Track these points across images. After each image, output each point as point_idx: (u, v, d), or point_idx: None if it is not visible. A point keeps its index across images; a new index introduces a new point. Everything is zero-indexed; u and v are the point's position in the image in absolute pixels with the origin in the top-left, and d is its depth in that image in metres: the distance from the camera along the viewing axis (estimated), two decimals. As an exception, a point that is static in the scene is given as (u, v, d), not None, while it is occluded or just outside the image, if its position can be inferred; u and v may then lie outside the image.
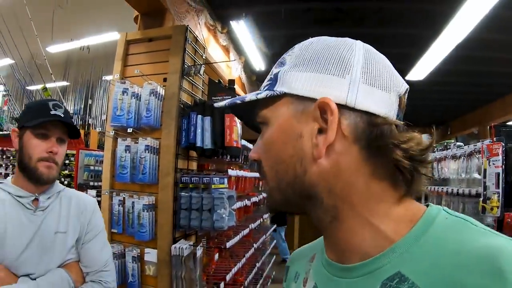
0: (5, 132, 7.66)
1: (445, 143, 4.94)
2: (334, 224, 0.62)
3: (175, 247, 2.27)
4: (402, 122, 0.61)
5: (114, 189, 2.56)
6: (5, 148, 7.16)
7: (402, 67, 5.59)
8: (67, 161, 5.99)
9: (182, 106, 2.54)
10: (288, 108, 0.63)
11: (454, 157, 4.26)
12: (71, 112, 10.09)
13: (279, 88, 0.63)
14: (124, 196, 2.47)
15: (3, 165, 7.15)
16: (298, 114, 0.62)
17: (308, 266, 0.74)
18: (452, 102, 8.34)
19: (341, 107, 0.58)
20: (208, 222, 2.34)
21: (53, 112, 1.42)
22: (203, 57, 2.85)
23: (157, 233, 2.40)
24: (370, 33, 4.72)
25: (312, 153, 0.60)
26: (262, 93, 0.64)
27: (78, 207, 1.57)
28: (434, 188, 4.80)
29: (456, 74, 6.01)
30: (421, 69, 5.49)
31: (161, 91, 2.51)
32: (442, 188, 4.50)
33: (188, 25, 2.60)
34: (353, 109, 0.59)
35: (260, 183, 4.85)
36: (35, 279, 1.37)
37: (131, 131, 2.45)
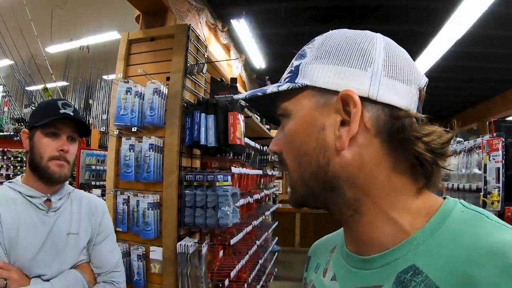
0: (5, 133, 7.66)
1: None
2: (355, 217, 0.63)
3: (180, 245, 2.29)
4: (423, 115, 0.62)
5: (118, 188, 2.58)
6: (6, 149, 7.17)
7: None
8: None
9: (185, 104, 2.55)
10: (310, 101, 0.63)
11: (454, 153, 4.29)
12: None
13: (300, 81, 0.64)
14: (128, 195, 2.48)
15: (4, 166, 7.17)
16: (320, 107, 0.62)
17: (328, 257, 0.75)
18: (451, 98, 8.37)
19: (363, 99, 0.59)
20: (213, 220, 2.36)
21: (62, 110, 1.43)
22: (205, 56, 2.87)
23: (162, 231, 2.41)
24: (369, 30, 4.74)
25: (335, 144, 0.60)
26: (284, 85, 0.64)
27: (89, 209, 1.58)
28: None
29: (456, 70, 6.05)
30: (421, 66, 5.51)
31: (165, 90, 2.53)
32: (443, 184, 4.54)
33: (190, 24, 2.61)
34: (375, 102, 0.59)
35: (262, 180, 4.87)
36: (47, 280, 1.38)
37: (135, 130, 2.47)
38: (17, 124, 7.43)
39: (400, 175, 0.61)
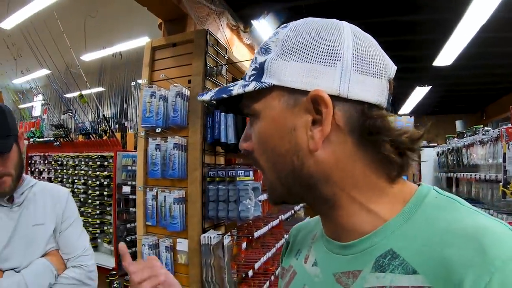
0: (46, 139, 8.05)
1: (474, 128, 4.87)
2: (333, 210, 0.63)
3: (204, 237, 2.44)
4: (393, 114, 0.62)
5: (147, 185, 2.75)
6: (46, 154, 7.54)
7: (428, 53, 5.55)
8: (105, 163, 6.29)
9: (206, 105, 2.68)
10: (279, 101, 0.61)
11: (481, 143, 4.22)
12: (108, 115, 10.43)
13: (267, 80, 0.61)
14: (156, 191, 2.65)
15: (46, 170, 7.55)
16: (290, 107, 0.61)
17: (310, 244, 0.76)
18: (485, 85, 8.15)
19: (334, 98, 0.58)
20: (234, 213, 2.49)
21: None
22: (225, 58, 2.99)
23: (188, 224, 2.57)
24: (395, 21, 4.73)
25: (308, 145, 0.60)
26: (250, 86, 0.62)
27: (52, 198, 1.61)
28: (464, 174, 4.75)
29: (484, 56, 5.89)
30: (448, 54, 5.41)
31: (186, 92, 2.68)
32: (471, 175, 4.47)
33: (208, 29, 2.75)
34: (346, 100, 0.58)
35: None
36: (19, 272, 1.42)
37: (160, 130, 2.63)
38: (56, 130, 7.79)
39: (374, 167, 0.61)
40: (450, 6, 4.22)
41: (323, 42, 0.59)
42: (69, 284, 1.51)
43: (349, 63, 0.58)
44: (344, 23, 0.62)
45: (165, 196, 2.58)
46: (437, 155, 6.11)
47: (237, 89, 0.63)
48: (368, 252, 0.59)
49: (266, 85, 0.61)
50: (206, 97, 0.68)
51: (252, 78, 0.64)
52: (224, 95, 0.64)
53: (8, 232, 1.45)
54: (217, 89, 0.69)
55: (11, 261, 1.43)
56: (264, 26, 4.60)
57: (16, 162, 1.46)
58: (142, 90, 2.72)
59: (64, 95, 8.93)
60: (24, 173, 1.59)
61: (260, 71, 0.63)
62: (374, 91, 0.59)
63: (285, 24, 0.65)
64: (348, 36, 0.60)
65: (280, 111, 0.61)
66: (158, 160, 2.63)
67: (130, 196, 5.34)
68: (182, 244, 2.53)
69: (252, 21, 4.41)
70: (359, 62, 0.59)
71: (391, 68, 0.63)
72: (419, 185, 0.64)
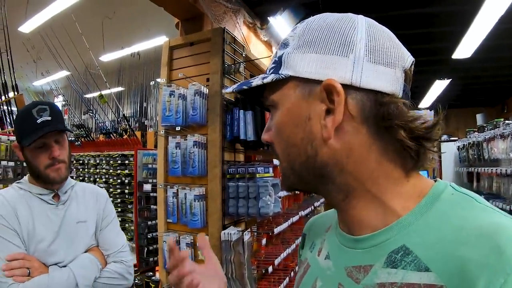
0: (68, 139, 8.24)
1: (495, 122, 4.79)
2: (346, 201, 0.64)
3: (224, 233, 2.47)
4: (407, 101, 0.61)
5: (168, 182, 2.80)
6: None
7: (447, 46, 5.48)
8: (126, 161, 6.39)
9: (225, 102, 2.71)
10: (294, 91, 0.63)
11: (502, 136, 4.15)
12: (128, 115, 10.57)
13: (284, 71, 0.64)
14: (177, 188, 2.69)
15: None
16: (305, 97, 0.62)
17: (323, 237, 0.77)
18: (505, 78, 7.99)
19: (347, 87, 0.59)
20: (254, 209, 2.51)
21: (39, 120, 1.48)
22: (243, 55, 3.01)
23: (208, 221, 2.60)
24: (412, 14, 4.68)
25: (322, 134, 0.61)
26: (268, 77, 0.64)
27: (93, 198, 1.73)
28: (485, 169, 4.68)
29: (504, 48, 5.79)
30: (467, 47, 5.34)
31: (205, 90, 2.71)
32: (491, 169, 4.40)
33: (225, 27, 2.77)
34: (359, 89, 0.59)
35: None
36: (64, 267, 1.51)
37: (179, 129, 2.67)
38: (77, 130, 7.94)
39: (389, 158, 0.61)
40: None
41: (337, 34, 0.61)
42: (112, 277, 1.61)
43: (361, 53, 0.59)
44: (360, 16, 0.64)
45: (185, 194, 2.61)
46: (458, 149, 6.02)
47: (256, 81, 0.66)
48: (381, 247, 0.59)
49: (283, 76, 0.63)
50: (229, 89, 0.72)
51: (271, 70, 0.66)
52: (245, 87, 0.67)
53: (55, 228, 1.55)
54: (240, 82, 0.72)
55: (56, 256, 1.52)
56: (280, 23, 4.60)
57: (68, 153, 1.62)
58: (161, 90, 2.76)
59: (84, 96, 9.09)
60: None
61: (278, 64, 0.65)
62: (387, 80, 0.60)
63: (304, 20, 0.67)
64: (362, 28, 0.61)
65: (295, 100, 0.63)
66: (178, 158, 2.67)
67: (151, 194, 5.42)
68: (203, 241, 2.56)
69: (268, 18, 4.42)
70: (372, 52, 0.60)
71: (407, 59, 0.63)
72: (435, 180, 0.63)
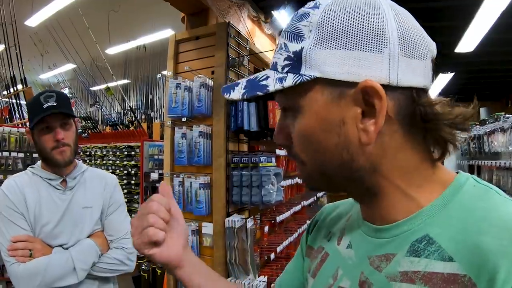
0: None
1: (495, 116, 4.83)
2: (374, 199, 0.63)
3: (228, 220, 2.56)
4: (445, 99, 0.59)
5: (174, 172, 2.89)
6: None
7: (450, 40, 5.49)
8: (132, 153, 6.50)
9: (230, 102, 2.79)
10: (322, 94, 0.57)
11: (502, 130, 4.21)
12: (134, 107, 10.66)
13: (307, 72, 0.57)
14: (183, 177, 2.79)
15: (79, 159, 7.84)
16: (335, 100, 0.57)
17: (343, 226, 0.75)
18: (508, 72, 8.00)
19: (384, 87, 0.55)
20: (257, 197, 2.61)
21: (45, 105, 1.58)
22: (247, 49, 3.08)
23: (213, 208, 2.69)
24: (414, 8, 4.71)
25: (359, 138, 0.57)
26: (288, 80, 0.58)
27: (100, 184, 1.81)
28: (485, 162, 4.74)
29: (507, 42, 5.81)
30: (470, 40, 5.35)
31: (210, 82, 2.79)
32: (491, 162, 4.46)
33: (229, 22, 2.85)
34: (395, 88, 0.56)
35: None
36: (67, 249, 1.62)
37: (185, 120, 2.76)
38: (84, 122, 8.04)
39: (418, 153, 0.61)
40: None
41: (365, 25, 0.54)
42: (110, 263, 1.68)
43: (396, 48, 0.55)
44: (382, 0, 0.57)
45: (191, 182, 2.71)
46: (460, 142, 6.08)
47: (273, 84, 0.59)
48: (404, 236, 0.59)
49: (308, 78, 0.56)
50: (235, 95, 0.63)
51: (287, 69, 0.59)
52: (259, 93, 0.60)
53: (60, 212, 1.66)
54: (244, 81, 0.64)
55: (60, 238, 1.64)
56: (284, 16, 4.66)
57: (74, 137, 1.71)
58: (167, 82, 2.85)
59: (91, 88, 9.18)
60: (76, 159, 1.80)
61: (296, 61, 0.58)
62: (421, 74, 0.57)
63: (313, 3, 0.59)
64: (390, 15, 0.56)
65: (324, 104, 0.57)
66: (184, 148, 2.76)
67: (157, 185, 5.52)
68: (207, 228, 2.67)
69: (272, 12, 4.48)
70: (405, 45, 0.55)
71: (433, 46, 0.60)
72: (457, 172, 0.63)
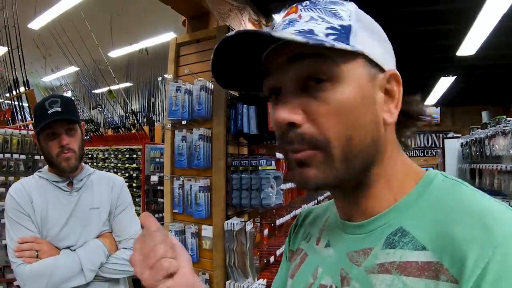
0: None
1: (497, 119, 4.83)
2: (364, 189, 0.65)
3: (227, 223, 2.57)
4: (417, 97, 0.70)
5: (174, 174, 2.90)
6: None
7: (451, 43, 5.50)
8: (134, 155, 6.52)
9: (229, 97, 2.80)
10: (364, 70, 0.60)
11: (503, 133, 4.20)
12: (136, 110, 10.68)
13: (356, 45, 0.59)
14: (183, 180, 2.80)
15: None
16: (371, 79, 0.61)
17: (321, 227, 0.78)
18: (511, 75, 7.99)
19: None
20: (257, 200, 2.62)
21: (50, 110, 1.59)
22: (247, 52, 3.09)
23: (212, 211, 2.70)
24: (415, 12, 4.72)
25: (384, 119, 0.62)
26: (341, 43, 0.57)
27: (108, 185, 1.81)
28: (486, 166, 4.73)
29: (509, 45, 5.81)
30: (471, 44, 5.36)
31: (210, 86, 2.80)
32: (493, 166, 4.45)
33: (229, 25, 2.86)
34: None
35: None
36: (75, 251, 1.61)
37: (185, 123, 2.77)
38: (86, 125, 8.07)
39: (399, 144, 0.67)
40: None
41: (382, 32, 0.65)
42: (118, 264, 1.68)
43: (393, 54, 0.67)
44: None
45: (191, 185, 2.72)
46: (461, 146, 6.07)
47: (329, 41, 0.56)
48: (379, 230, 0.62)
49: (359, 51, 0.59)
50: (281, 34, 0.57)
51: (332, 37, 0.58)
52: (300, 38, 0.54)
53: (67, 214, 1.66)
54: (287, 27, 0.60)
55: (67, 240, 1.63)
56: (285, 20, 4.67)
57: (79, 143, 1.71)
58: (168, 85, 2.86)
59: (93, 91, 9.21)
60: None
61: (343, 33, 0.58)
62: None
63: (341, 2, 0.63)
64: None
65: (366, 80, 0.60)
66: (184, 150, 2.77)
67: (158, 187, 5.53)
68: (207, 231, 2.67)
69: (273, 15, 4.49)
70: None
71: None
72: (426, 169, 0.67)
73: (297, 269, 0.76)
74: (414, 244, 0.56)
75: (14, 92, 5.99)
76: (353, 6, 0.63)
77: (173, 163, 2.92)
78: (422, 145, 11.95)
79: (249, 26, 4.12)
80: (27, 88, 5.90)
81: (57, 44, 7.82)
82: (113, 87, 8.05)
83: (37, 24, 7.19)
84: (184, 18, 3.28)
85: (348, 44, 0.57)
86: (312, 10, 0.61)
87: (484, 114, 8.41)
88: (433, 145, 11.37)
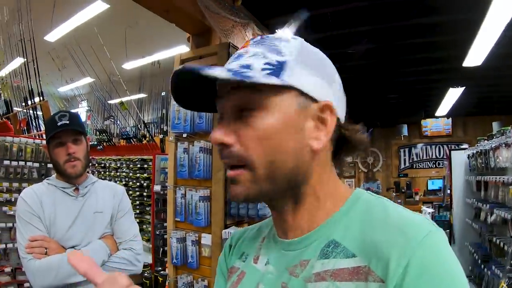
0: (90, 143, 8.55)
1: (501, 130, 4.78)
2: (297, 207, 0.72)
3: (225, 232, 2.68)
4: (357, 127, 0.76)
5: (177, 184, 3.03)
6: (91, 157, 8.01)
7: (456, 54, 5.50)
8: (145, 165, 6.66)
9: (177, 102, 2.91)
10: (293, 101, 0.67)
11: (506, 145, 4.18)
12: (148, 121, 10.85)
13: (289, 80, 0.66)
14: (184, 189, 2.92)
15: (90, 172, 7.99)
16: (302, 109, 0.67)
17: (258, 246, 0.82)
18: (520, 86, 7.93)
19: None
20: (254, 211, 2.72)
21: (59, 123, 1.78)
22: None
23: (211, 220, 2.81)
24: (417, 24, 4.76)
25: (312, 146, 0.68)
26: (274, 78, 0.65)
27: (110, 193, 1.98)
28: (490, 178, 4.68)
29: (515, 56, 5.78)
30: (476, 54, 5.33)
31: (211, 100, 2.92)
32: (495, 178, 4.41)
33: (230, 42, 2.98)
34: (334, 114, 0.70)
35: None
36: (80, 250, 1.76)
37: (185, 136, 2.89)
38: (99, 135, 8.26)
39: (334, 170, 0.75)
40: (470, 6, 4.21)
41: (327, 67, 0.72)
42: (119, 262, 1.84)
43: (337, 87, 0.72)
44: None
45: (192, 195, 2.83)
46: (468, 158, 6.03)
47: (262, 78, 0.64)
48: (315, 244, 0.69)
49: (289, 84, 0.66)
50: (220, 73, 0.63)
51: (268, 71, 0.66)
52: (239, 78, 0.62)
53: (73, 216, 1.83)
54: (216, 67, 0.65)
55: (73, 240, 1.80)
56: (289, 34, 4.75)
57: (85, 153, 1.89)
58: (171, 100, 2.99)
59: (108, 101, 9.40)
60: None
61: (279, 68, 0.66)
62: (344, 108, 0.74)
63: (284, 37, 0.72)
64: (336, 70, 0.74)
65: (293, 110, 0.66)
66: (185, 162, 2.89)
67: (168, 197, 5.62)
68: (206, 239, 2.78)
69: (276, 30, 4.58)
70: (341, 87, 0.74)
71: None
72: (355, 188, 0.76)
73: (236, 286, 0.80)
74: (345, 253, 0.64)
75: (29, 103, 6.20)
76: (298, 43, 0.70)
77: (175, 174, 3.04)
78: (434, 156, 11.86)
79: (254, 41, 4.22)
80: (42, 99, 6.10)
81: (72, 58, 8.04)
82: (125, 99, 8.22)
83: (53, 36, 7.42)
84: (189, 35, 3.41)
85: (278, 78, 0.65)
86: (258, 46, 0.69)
87: (495, 125, 8.30)
88: (444, 157, 11.25)
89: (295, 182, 0.69)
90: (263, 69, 0.65)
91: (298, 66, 0.67)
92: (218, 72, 0.63)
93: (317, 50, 0.73)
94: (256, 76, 0.64)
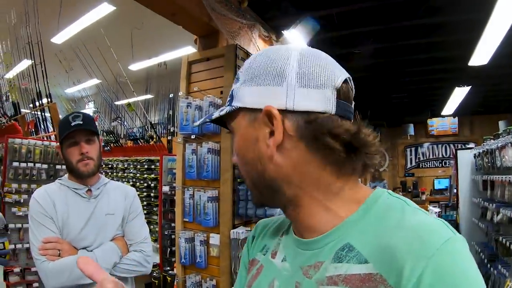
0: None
1: (508, 129, 4.77)
2: (297, 210, 0.74)
3: (233, 232, 2.71)
4: (335, 115, 0.69)
5: (185, 185, 3.06)
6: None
7: (462, 54, 5.50)
8: (152, 166, 6.69)
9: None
10: (244, 119, 0.74)
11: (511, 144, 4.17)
12: (155, 122, 10.88)
13: (235, 104, 0.74)
14: (193, 190, 2.95)
15: (102, 173, 8.07)
16: (252, 123, 0.72)
17: (278, 241, 0.84)
18: (528, 85, 7.90)
19: (283, 111, 0.69)
20: (261, 211, 2.75)
21: (73, 123, 1.81)
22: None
23: (220, 220, 2.85)
24: (422, 24, 4.76)
25: (267, 153, 0.71)
26: (224, 110, 0.76)
27: (122, 195, 2.00)
28: (497, 177, 4.68)
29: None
30: (482, 54, 5.31)
31: (219, 102, 2.95)
32: (502, 178, 4.40)
33: (237, 44, 3.01)
34: (293, 112, 0.68)
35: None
36: (91, 251, 1.79)
37: (194, 137, 2.93)
38: (107, 136, 8.30)
39: (329, 168, 0.71)
40: (474, 6, 4.22)
41: (273, 68, 0.70)
42: (130, 264, 1.87)
43: (293, 81, 0.68)
44: (295, 48, 0.73)
45: (200, 195, 2.87)
46: (474, 157, 6.01)
47: (216, 113, 0.78)
48: (330, 246, 0.69)
49: (234, 107, 0.74)
50: (197, 123, 0.87)
51: (228, 103, 0.77)
52: (207, 120, 0.80)
53: (85, 218, 1.84)
54: (204, 117, 0.84)
55: (85, 241, 1.82)
56: (295, 35, 4.77)
57: (98, 153, 1.92)
58: (179, 101, 3.03)
59: (115, 103, 9.44)
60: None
61: (231, 97, 0.76)
62: (318, 100, 0.68)
63: (251, 56, 0.80)
64: (294, 58, 0.70)
65: (245, 127, 0.74)
66: (194, 163, 2.93)
67: (175, 198, 5.66)
68: (215, 239, 2.82)
69: (283, 31, 4.59)
70: (302, 79, 0.68)
71: (338, 78, 0.70)
72: (375, 187, 0.75)
73: (254, 280, 0.83)
74: (358, 258, 0.64)
75: (37, 104, 6.25)
76: (250, 59, 0.77)
77: (184, 175, 3.08)
78: (440, 155, 11.85)
79: (260, 43, 4.25)
80: (50, 101, 6.14)
81: (79, 60, 8.09)
82: (132, 99, 8.26)
83: (60, 38, 7.49)
84: (196, 37, 3.44)
85: (231, 105, 0.75)
86: (235, 79, 0.79)
87: (501, 124, 8.27)
88: (451, 156, 11.23)
89: (272, 188, 0.74)
90: (227, 102, 0.78)
91: (243, 85, 0.74)
92: (197, 122, 0.82)
93: (268, 50, 0.75)
94: (215, 113, 0.78)
